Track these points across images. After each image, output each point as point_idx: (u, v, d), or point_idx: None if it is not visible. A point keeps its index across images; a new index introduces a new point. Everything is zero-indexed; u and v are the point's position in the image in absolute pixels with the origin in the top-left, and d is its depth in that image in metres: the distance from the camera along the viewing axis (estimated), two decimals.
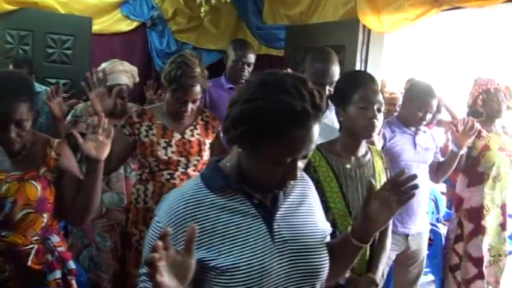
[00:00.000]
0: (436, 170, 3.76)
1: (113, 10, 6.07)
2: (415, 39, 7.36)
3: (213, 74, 4.04)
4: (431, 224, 4.31)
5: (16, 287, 2.19)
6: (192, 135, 2.91)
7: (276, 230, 1.48)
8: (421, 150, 3.49)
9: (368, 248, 2.35)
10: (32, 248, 2.19)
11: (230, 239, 1.41)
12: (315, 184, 1.77)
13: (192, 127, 2.93)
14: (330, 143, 2.45)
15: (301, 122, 1.34)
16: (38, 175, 2.20)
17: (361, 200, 2.26)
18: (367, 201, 1.52)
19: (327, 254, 1.56)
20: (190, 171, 2.87)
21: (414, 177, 1.50)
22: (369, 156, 2.45)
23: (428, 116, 3.44)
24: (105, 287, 3.52)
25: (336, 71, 2.99)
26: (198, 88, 2.77)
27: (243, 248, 1.41)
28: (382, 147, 3.23)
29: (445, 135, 5.01)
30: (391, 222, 2.25)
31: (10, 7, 5.32)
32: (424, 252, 3.66)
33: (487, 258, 4.04)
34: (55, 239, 2.30)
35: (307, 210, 1.61)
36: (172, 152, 2.83)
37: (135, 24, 6.23)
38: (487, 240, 4.01)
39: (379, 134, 3.11)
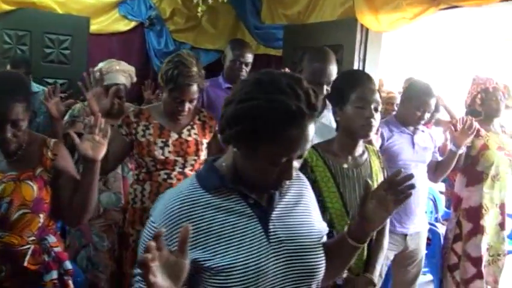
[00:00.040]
0: (435, 170, 3.76)
1: (110, 10, 6.06)
2: (413, 38, 7.35)
3: (211, 73, 4.04)
4: (430, 224, 4.31)
5: None
6: (189, 135, 2.90)
7: (272, 230, 1.47)
8: (419, 149, 3.49)
9: (365, 248, 2.35)
10: (29, 248, 2.18)
11: (226, 239, 1.41)
12: (312, 184, 1.76)
13: (189, 127, 2.92)
14: (327, 142, 2.45)
15: (297, 121, 1.33)
16: (34, 175, 2.19)
17: (358, 200, 2.25)
18: (363, 201, 1.51)
19: (323, 254, 1.55)
20: (187, 171, 2.86)
21: (411, 176, 1.50)
22: (366, 155, 2.44)
23: (427, 116, 3.44)
24: (103, 287, 3.51)
25: (333, 70, 3.00)
26: (195, 87, 2.76)
27: (238, 248, 1.41)
28: (380, 147, 3.24)
29: (443, 134, 5.02)
30: (388, 221, 2.26)
31: (8, 7, 5.31)
32: (423, 252, 3.65)
33: (485, 257, 4.03)
34: (51, 239, 2.29)
35: (304, 210, 1.60)
36: (169, 151, 2.82)
37: (133, 24, 6.21)
38: (486, 240, 4.00)
39: (377, 133, 3.11)
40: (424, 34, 7.22)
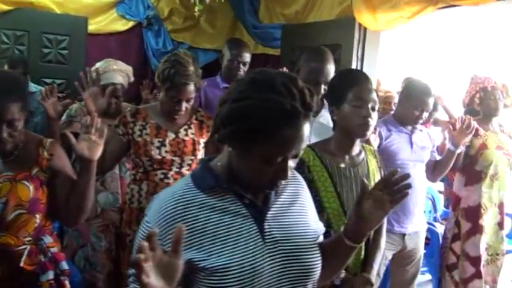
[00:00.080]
0: (433, 169, 3.75)
1: (108, 10, 6.04)
2: (411, 37, 7.34)
3: (210, 73, 4.04)
4: (429, 223, 4.31)
5: None
6: (186, 135, 2.89)
7: (267, 230, 1.47)
8: (417, 149, 3.49)
9: (363, 248, 2.34)
10: (25, 248, 2.17)
11: (221, 239, 1.40)
12: (309, 184, 1.75)
13: (186, 126, 2.91)
14: (324, 142, 2.44)
15: (291, 120, 1.33)
16: (31, 175, 2.18)
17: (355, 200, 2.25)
18: (360, 201, 1.51)
19: (319, 254, 1.55)
20: (184, 170, 2.85)
21: (407, 176, 1.49)
22: (362, 155, 2.44)
23: (425, 115, 3.44)
24: (101, 287, 3.50)
25: (331, 69, 3.00)
26: (191, 87, 2.76)
27: (234, 248, 1.40)
28: (379, 146, 3.23)
29: (442, 134, 5.01)
30: (385, 221, 2.25)
31: (5, 7, 5.30)
32: (421, 251, 3.65)
33: (484, 257, 4.03)
34: (48, 239, 2.28)
35: (299, 209, 1.59)
36: (166, 151, 2.81)
37: (131, 23, 6.19)
38: (485, 239, 4.00)
39: (375, 132, 3.11)
40: (422, 33, 7.21)
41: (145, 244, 1.12)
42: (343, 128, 2.35)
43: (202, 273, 1.37)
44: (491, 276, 4.10)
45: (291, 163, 1.41)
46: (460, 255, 4.05)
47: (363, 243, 2.26)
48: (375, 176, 2.41)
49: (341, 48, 4.86)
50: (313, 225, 1.61)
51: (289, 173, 1.42)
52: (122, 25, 6.16)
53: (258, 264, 1.41)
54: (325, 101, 2.98)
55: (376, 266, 2.39)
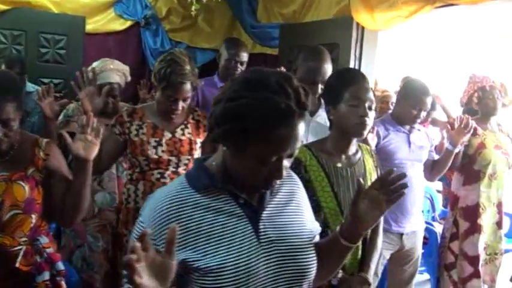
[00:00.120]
0: (431, 169, 3.75)
1: (106, 9, 6.04)
2: (409, 37, 7.34)
3: (208, 73, 4.03)
4: (427, 223, 4.30)
5: None
6: (183, 134, 2.88)
7: (262, 230, 1.46)
8: (415, 148, 3.48)
9: (360, 247, 2.34)
10: (20, 249, 2.17)
11: (216, 239, 1.39)
12: (306, 183, 1.75)
13: (183, 126, 2.91)
14: (321, 141, 2.43)
15: (286, 120, 1.32)
16: (26, 175, 2.18)
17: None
18: (355, 201, 1.50)
19: (314, 255, 1.54)
20: (181, 170, 2.84)
21: (403, 175, 1.48)
22: (359, 154, 2.43)
23: (423, 114, 3.43)
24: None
25: (328, 69, 3.00)
26: (188, 86, 2.75)
27: (228, 248, 1.39)
28: (376, 146, 3.23)
29: (440, 133, 5.01)
30: (382, 220, 2.24)
31: (3, 7, 5.29)
32: (419, 251, 3.64)
33: (482, 256, 4.02)
34: (44, 240, 2.27)
35: (295, 209, 1.58)
36: (162, 151, 2.80)
37: (128, 23, 6.19)
38: (483, 239, 3.99)
39: (372, 132, 3.10)
40: (419, 33, 7.21)
41: (138, 244, 1.11)
42: (340, 127, 2.34)
43: (197, 274, 1.36)
44: (489, 275, 4.10)
45: (286, 162, 1.40)
46: (458, 255, 4.05)
47: (360, 243, 2.28)
48: (372, 175, 2.41)
49: (339, 48, 4.86)
50: (309, 225, 1.60)
51: (285, 173, 1.41)
52: (120, 25, 6.16)
53: (253, 264, 1.40)
54: (322, 101, 2.98)
55: (373, 266, 2.39)
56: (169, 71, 2.67)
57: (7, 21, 5.38)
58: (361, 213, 1.49)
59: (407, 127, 3.49)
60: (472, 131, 3.65)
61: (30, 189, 2.16)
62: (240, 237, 1.42)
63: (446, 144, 3.72)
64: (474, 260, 3.96)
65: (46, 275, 2.23)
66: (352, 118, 2.28)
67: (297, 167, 2.20)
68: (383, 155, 3.27)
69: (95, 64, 3.41)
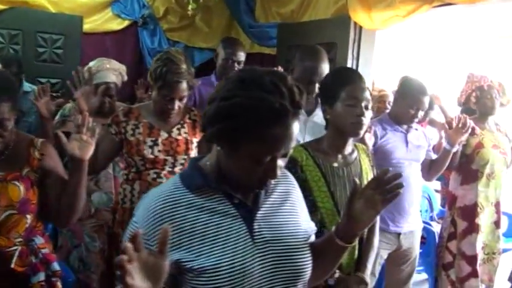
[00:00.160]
0: (429, 168, 3.74)
1: (103, 9, 6.02)
2: (407, 36, 7.34)
3: (205, 72, 4.02)
4: (425, 222, 4.30)
5: None
6: (179, 134, 2.87)
7: (257, 230, 1.45)
8: (413, 148, 3.47)
9: (357, 247, 2.33)
10: (16, 250, 2.16)
11: (210, 239, 1.38)
12: (302, 183, 1.74)
13: (179, 126, 2.89)
14: (317, 141, 2.42)
15: (280, 119, 1.31)
16: (21, 175, 2.16)
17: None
18: (351, 200, 1.49)
19: (309, 255, 1.53)
20: (177, 170, 2.82)
21: (399, 175, 1.47)
22: (355, 154, 2.42)
23: (420, 114, 3.42)
24: None
25: (325, 68, 2.99)
26: (184, 85, 2.74)
27: (223, 248, 1.38)
28: (374, 145, 3.23)
29: (438, 133, 5.00)
30: (378, 220, 2.23)
31: (0, 6, 5.27)
32: (417, 250, 3.64)
33: (480, 256, 4.02)
34: (39, 240, 2.26)
35: (290, 209, 1.57)
36: (158, 151, 2.79)
37: (126, 23, 6.17)
38: (481, 238, 3.99)
39: (370, 131, 3.09)
40: (417, 32, 7.20)
41: (129, 245, 1.10)
42: (336, 127, 2.33)
43: (190, 274, 1.36)
44: (487, 275, 4.10)
45: (281, 162, 1.39)
46: (456, 254, 4.05)
47: (357, 243, 2.27)
48: (368, 175, 2.40)
49: (336, 47, 4.85)
50: (304, 225, 1.59)
51: (279, 172, 1.40)
52: (117, 24, 6.14)
53: (248, 264, 1.40)
54: (319, 100, 2.98)
55: (370, 266, 2.38)
56: (165, 70, 2.66)
57: (4, 21, 5.37)
58: (356, 213, 1.48)
59: (405, 127, 3.48)
60: (470, 131, 3.64)
61: (25, 190, 2.15)
62: (234, 237, 1.41)
63: (444, 144, 3.71)
64: (472, 260, 3.96)
65: (41, 276, 2.22)
66: (349, 118, 2.26)
67: (294, 166, 2.19)
68: (380, 154, 3.27)
69: (91, 64, 3.41)
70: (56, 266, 2.30)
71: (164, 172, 2.81)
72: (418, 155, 3.52)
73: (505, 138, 4.11)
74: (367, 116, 2.29)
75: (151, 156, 2.78)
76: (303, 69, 2.99)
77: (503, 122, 4.29)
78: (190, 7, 5.58)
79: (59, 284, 2.33)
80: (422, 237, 3.92)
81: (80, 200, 2.21)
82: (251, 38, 6.19)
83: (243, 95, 1.30)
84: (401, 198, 3.28)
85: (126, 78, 3.56)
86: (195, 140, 2.92)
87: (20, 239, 2.17)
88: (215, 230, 1.39)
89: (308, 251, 1.53)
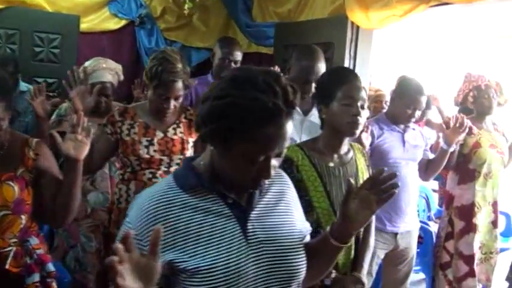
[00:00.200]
0: (426, 168, 3.73)
1: (100, 8, 6.00)
2: (404, 36, 7.34)
3: (203, 72, 4.01)
4: (422, 222, 4.29)
5: None
6: (175, 134, 2.86)
7: (251, 230, 1.44)
8: (409, 147, 3.47)
9: (353, 247, 2.33)
10: (10, 250, 2.15)
11: (205, 240, 1.38)
12: (298, 183, 1.74)
13: (175, 125, 2.89)
14: (312, 141, 2.41)
15: (274, 119, 1.30)
16: (16, 176, 2.15)
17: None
18: (346, 201, 1.48)
19: (304, 255, 1.52)
20: (172, 170, 2.80)
21: (394, 175, 1.46)
22: (351, 153, 2.41)
23: (417, 113, 3.42)
24: None
25: (321, 68, 2.99)
26: (179, 84, 2.73)
27: (218, 249, 1.38)
28: (371, 145, 3.22)
29: (436, 133, 5.00)
30: (374, 219, 2.22)
31: None
32: (414, 250, 3.63)
33: (478, 255, 4.03)
34: (34, 241, 2.26)
35: (285, 209, 1.56)
36: (154, 150, 2.78)
37: (123, 22, 6.14)
38: (478, 238, 4.00)
39: (367, 131, 3.09)
40: (414, 32, 7.20)
41: (120, 246, 1.09)
42: (332, 126, 2.32)
43: (184, 275, 1.35)
44: (485, 274, 4.10)
45: (275, 162, 1.38)
46: (453, 254, 4.05)
47: (353, 243, 2.27)
48: (364, 174, 2.39)
49: (334, 47, 4.84)
50: (299, 225, 1.59)
51: (273, 172, 1.39)
52: (114, 24, 6.11)
53: (243, 265, 1.39)
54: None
55: (366, 265, 2.38)
56: (160, 69, 2.65)
57: (1, 20, 5.33)
58: (351, 213, 1.48)
59: (402, 126, 3.48)
60: (467, 130, 3.64)
61: (20, 190, 2.14)
62: (228, 238, 1.40)
63: (442, 144, 3.71)
64: (469, 259, 3.96)
65: (36, 277, 2.21)
66: (345, 117, 2.26)
67: (289, 166, 2.19)
68: (377, 154, 3.27)
69: (87, 63, 3.41)
70: (50, 266, 2.29)
71: (160, 172, 2.80)
72: (415, 155, 3.52)
73: (502, 138, 4.11)
74: (363, 116, 2.28)
75: (147, 156, 2.77)
76: (300, 68, 2.98)
77: (500, 121, 4.29)
78: (186, 6, 5.56)
79: (54, 284, 2.32)
80: (420, 237, 3.92)
81: (75, 200, 2.20)
82: (248, 37, 6.18)
83: (236, 94, 1.29)
84: (398, 198, 3.28)
85: (122, 77, 3.55)
86: (191, 140, 2.91)
87: (14, 240, 2.16)
88: (209, 231, 1.39)
89: (303, 252, 1.52)
